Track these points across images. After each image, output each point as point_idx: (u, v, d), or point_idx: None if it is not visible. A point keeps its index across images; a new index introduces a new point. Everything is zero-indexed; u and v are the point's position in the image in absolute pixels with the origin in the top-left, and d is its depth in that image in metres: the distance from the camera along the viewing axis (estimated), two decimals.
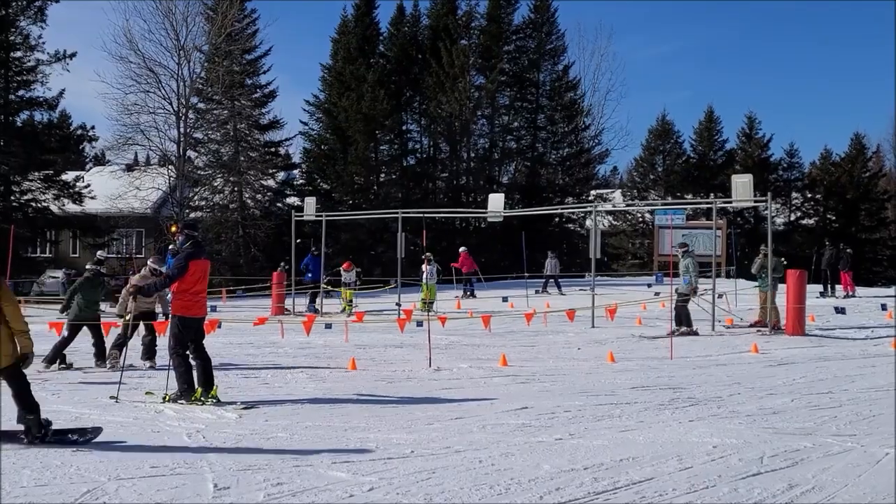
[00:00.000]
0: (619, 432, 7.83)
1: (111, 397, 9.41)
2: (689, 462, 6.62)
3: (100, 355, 12.63)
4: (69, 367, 12.45)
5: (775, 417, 8.50)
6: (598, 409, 8.99)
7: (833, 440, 7.36)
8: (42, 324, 16.68)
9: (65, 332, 12.71)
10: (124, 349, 11.74)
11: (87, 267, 13.46)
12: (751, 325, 17.88)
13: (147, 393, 9.78)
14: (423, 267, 24.14)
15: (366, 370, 12.30)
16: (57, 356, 12.34)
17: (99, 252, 18.67)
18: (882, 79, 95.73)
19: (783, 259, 18.47)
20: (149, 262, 12.99)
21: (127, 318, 11.85)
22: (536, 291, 28.26)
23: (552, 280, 29.06)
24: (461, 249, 28.97)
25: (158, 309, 13.37)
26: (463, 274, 28.57)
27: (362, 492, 5.81)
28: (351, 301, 23.70)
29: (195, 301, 9.37)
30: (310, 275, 24.06)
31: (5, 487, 5.75)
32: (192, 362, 9.31)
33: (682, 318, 16.92)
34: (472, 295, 27.86)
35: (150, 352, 12.67)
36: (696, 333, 16.48)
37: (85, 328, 12.80)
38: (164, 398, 9.34)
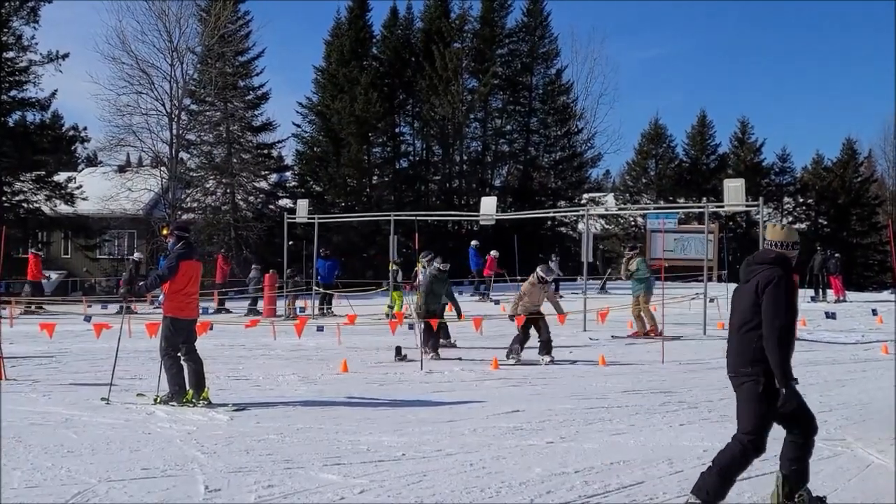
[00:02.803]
0: (610, 436, 7.84)
1: (102, 399, 9.39)
2: (680, 466, 6.64)
3: None
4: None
5: None
6: (589, 413, 9.01)
7: (823, 444, 7.37)
8: (33, 325, 16.65)
9: None
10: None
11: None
12: (644, 335, 16.90)
13: (138, 395, 9.76)
14: (418, 270, 24.10)
15: (357, 373, 12.31)
16: None
17: (136, 254, 18.88)
18: (874, 85, 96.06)
19: (645, 257, 17.79)
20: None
21: None
22: None
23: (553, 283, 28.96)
24: (492, 253, 28.63)
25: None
26: (483, 276, 28.41)
27: (353, 494, 5.81)
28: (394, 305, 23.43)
29: (187, 302, 9.37)
30: (319, 277, 24.02)
31: None
32: (184, 364, 9.30)
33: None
34: (487, 297, 27.68)
35: None
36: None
37: None
38: (156, 400, 9.33)
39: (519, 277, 27.85)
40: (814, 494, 5.46)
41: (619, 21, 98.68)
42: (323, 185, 42.81)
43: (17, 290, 29.75)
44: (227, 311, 24.66)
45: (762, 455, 5.31)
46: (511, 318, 14.08)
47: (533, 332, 13.78)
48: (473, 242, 29.73)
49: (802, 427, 5.37)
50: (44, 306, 24.77)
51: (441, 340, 15.62)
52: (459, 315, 15.62)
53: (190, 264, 9.38)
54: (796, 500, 5.31)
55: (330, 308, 23.88)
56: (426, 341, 13.96)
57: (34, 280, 24.96)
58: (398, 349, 14.11)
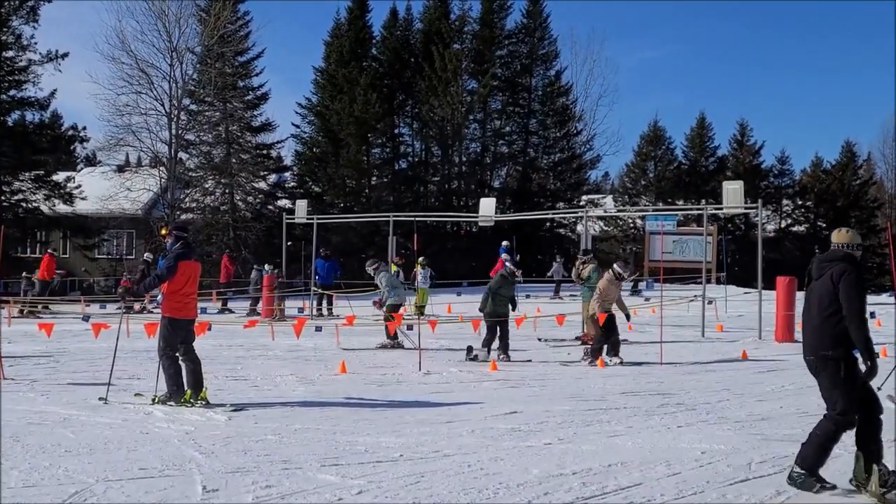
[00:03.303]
0: (607, 437, 7.85)
1: (100, 398, 9.38)
2: (678, 468, 6.64)
3: None
4: None
5: (764, 424, 8.53)
6: (587, 415, 9.01)
7: None
8: (31, 324, 16.66)
9: None
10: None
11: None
12: (576, 339, 16.72)
13: (136, 395, 9.75)
14: (417, 271, 24.15)
15: (355, 373, 12.30)
16: None
17: (147, 254, 18.97)
18: (873, 87, 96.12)
19: (599, 266, 17.18)
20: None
21: None
22: (550, 298, 28.19)
23: (556, 284, 28.92)
24: (503, 256, 28.52)
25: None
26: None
27: (351, 495, 5.81)
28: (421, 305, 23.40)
29: (185, 302, 9.36)
30: (318, 277, 24.01)
31: None
32: (182, 364, 9.29)
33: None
34: None
35: None
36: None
37: None
38: (154, 400, 9.32)
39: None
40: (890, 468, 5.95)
41: (618, 22, 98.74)
42: (322, 185, 42.77)
43: (16, 289, 29.74)
44: (230, 311, 24.66)
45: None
46: (592, 317, 14.12)
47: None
48: (504, 243, 29.75)
49: (870, 407, 5.98)
50: (49, 306, 24.76)
51: (387, 341, 15.61)
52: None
53: (188, 264, 9.38)
54: (881, 473, 5.86)
55: (331, 309, 23.88)
56: (489, 343, 14.03)
57: (43, 279, 24.99)
58: (469, 348, 14.15)
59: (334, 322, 18.82)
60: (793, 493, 5.94)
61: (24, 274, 26.10)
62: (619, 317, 14.25)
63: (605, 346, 13.76)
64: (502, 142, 47.92)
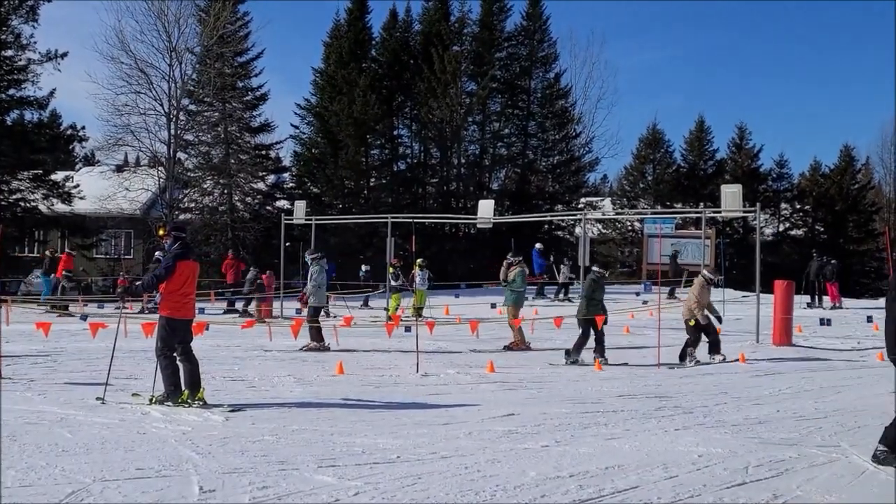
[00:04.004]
0: (605, 440, 7.85)
1: (97, 398, 9.37)
2: (675, 471, 6.64)
3: None
4: None
5: (761, 427, 8.53)
6: (584, 417, 9.01)
7: (818, 451, 7.39)
8: (28, 323, 16.65)
9: None
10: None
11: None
12: (504, 348, 16.22)
13: (133, 394, 9.75)
14: (415, 272, 24.16)
15: (353, 374, 12.30)
16: None
17: (158, 253, 18.97)
18: (872, 91, 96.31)
19: (525, 269, 17.26)
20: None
21: None
22: (560, 300, 28.16)
23: (564, 287, 28.87)
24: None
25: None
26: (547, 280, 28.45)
27: (348, 496, 5.81)
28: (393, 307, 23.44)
29: (183, 302, 9.36)
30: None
31: None
32: (179, 364, 9.29)
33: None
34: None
35: None
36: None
37: None
38: (151, 400, 9.31)
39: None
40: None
41: (618, 25, 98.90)
42: (320, 186, 42.77)
43: (14, 288, 29.74)
44: (237, 311, 24.55)
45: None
46: (691, 323, 14.21)
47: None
48: (537, 245, 29.78)
49: None
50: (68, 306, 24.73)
51: (313, 344, 15.50)
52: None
53: (187, 264, 9.38)
54: None
55: (326, 310, 23.88)
56: (581, 345, 14.07)
57: (60, 277, 25.11)
58: (568, 352, 14.17)
59: (332, 323, 18.81)
60: (790, 498, 5.95)
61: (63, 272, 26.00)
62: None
63: (689, 349, 14.13)
64: (501, 144, 47.96)
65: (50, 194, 35.67)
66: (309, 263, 16.25)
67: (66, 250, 26.64)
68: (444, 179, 47.08)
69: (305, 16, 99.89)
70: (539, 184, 47.76)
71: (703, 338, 14.20)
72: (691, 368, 13.50)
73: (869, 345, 16.51)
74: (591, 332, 14.15)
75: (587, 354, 14.11)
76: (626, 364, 14.06)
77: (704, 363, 13.86)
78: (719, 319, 14.84)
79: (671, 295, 26.83)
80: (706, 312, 14.23)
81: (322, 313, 23.26)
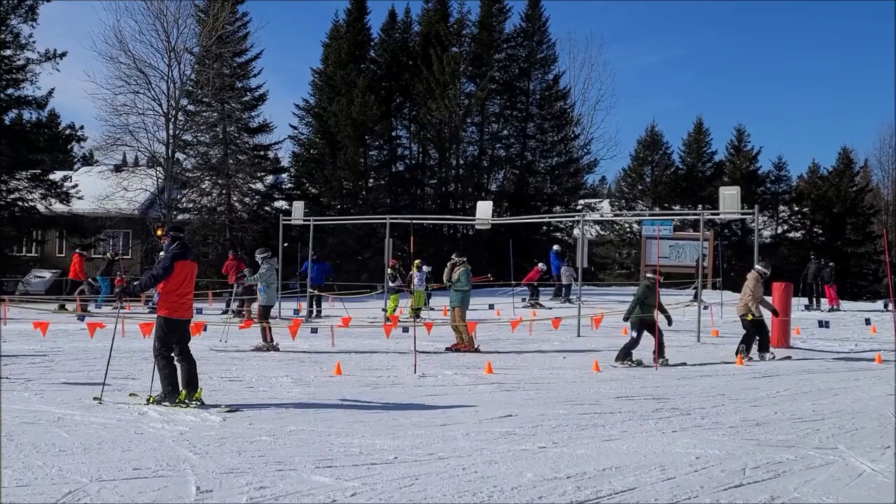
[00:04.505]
0: (602, 441, 7.85)
1: (95, 398, 9.37)
2: (672, 472, 6.64)
3: None
4: None
5: (758, 429, 8.54)
6: (582, 419, 9.01)
7: (815, 453, 7.40)
8: (27, 323, 16.64)
9: None
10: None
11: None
12: (447, 349, 16.05)
13: (131, 395, 9.75)
14: (413, 273, 24.15)
15: (351, 375, 12.29)
16: None
17: (162, 253, 18.90)
18: (871, 94, 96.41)
19: (469, 268, 16.81)
20: None
21: None
22: (562, 302, 28.09)
23: (566, 288, 28.81)
24: (539, 266, 28.43)
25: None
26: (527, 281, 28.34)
27: (345, 497, 5.81)
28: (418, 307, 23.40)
29: (181, 303, 9.36)
30: (309, 280, 24.00)
31: None
32: (177, 364, 9.29)
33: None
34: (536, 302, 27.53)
35: None
36: None
37: None
38: (148, 400, 9.31)
39: (513, 282, 27.87)
40: None
41: (617, 27, 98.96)
42: (319, 187, 42.75)
43: (11, 288, 29.72)
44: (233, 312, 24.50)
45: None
46: (748, 318, 14.60)
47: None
48: (555, 247, 29.68)
49: None
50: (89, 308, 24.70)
51: (261, 343, 15.45)
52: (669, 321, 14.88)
53: (185, 265, 9.38)
54: None
55: (319, 310, 23.88)
56: (632, 347, 14.07)
57: (76, 279, 25.09)
58: (625, 354, 14.15)
59: (330, 324, 18.80)
60: (787, 499, 5.95)
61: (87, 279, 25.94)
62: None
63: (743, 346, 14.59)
64: (500, 145, 47.96)
65: (48, 194, 35.64)
66: (259, 262, 16.22)
67: (77, 251, 26.54)
68: (443, 180, 47.08)
69: (304, 16, 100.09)
70: (537, 185, 47.78)
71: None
72: (689, 370, 13.50)
73: (867, 347, 16.53)
74: (644, 335, 14.16)
75: (642, 354, 14.10)
76: (684, 364, 14.13)
77: (691, 364, 13.94)
78: (775, 313, 15.56)
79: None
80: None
81: (315, 314, 23.45)
